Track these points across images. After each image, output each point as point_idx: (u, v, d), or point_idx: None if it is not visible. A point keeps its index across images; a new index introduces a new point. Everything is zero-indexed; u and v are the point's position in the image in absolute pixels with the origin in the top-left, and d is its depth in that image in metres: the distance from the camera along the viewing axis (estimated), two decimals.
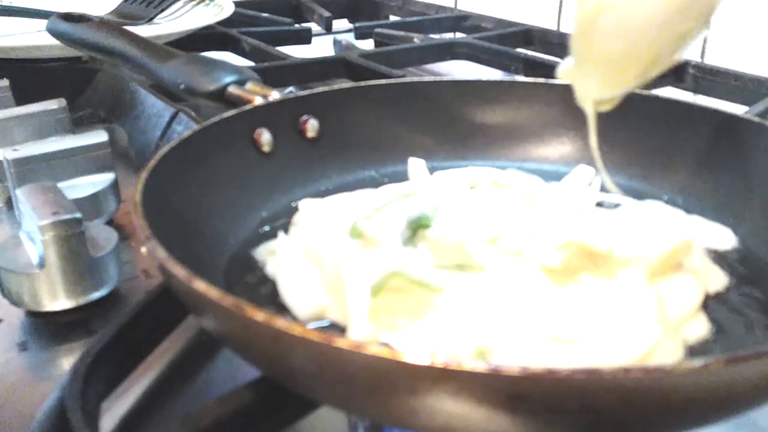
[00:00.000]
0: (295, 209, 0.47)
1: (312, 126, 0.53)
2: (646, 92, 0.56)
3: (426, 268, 0.38)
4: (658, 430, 0.29)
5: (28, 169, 0.54)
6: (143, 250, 0.52)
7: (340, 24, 1.17)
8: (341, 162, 0.53)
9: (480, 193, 0.46)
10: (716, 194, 0.48)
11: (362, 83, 0.59)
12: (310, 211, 0.45)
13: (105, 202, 0.55)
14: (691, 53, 0.91)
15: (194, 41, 0.91)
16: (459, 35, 1.08)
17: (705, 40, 0.91)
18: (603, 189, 0.49)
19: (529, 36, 0.99)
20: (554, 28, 1.07)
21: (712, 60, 0.90)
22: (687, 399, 0.26)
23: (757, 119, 0.49)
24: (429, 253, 0.39)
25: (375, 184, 0.49)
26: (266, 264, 0.43)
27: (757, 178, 0.47)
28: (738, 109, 0.65)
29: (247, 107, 0.52)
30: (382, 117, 0.55)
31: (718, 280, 0.41)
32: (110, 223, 0.54)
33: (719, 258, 0.43)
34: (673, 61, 0.41)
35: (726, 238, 0.45)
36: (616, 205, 0.48)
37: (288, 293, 0.39)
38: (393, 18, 1.22)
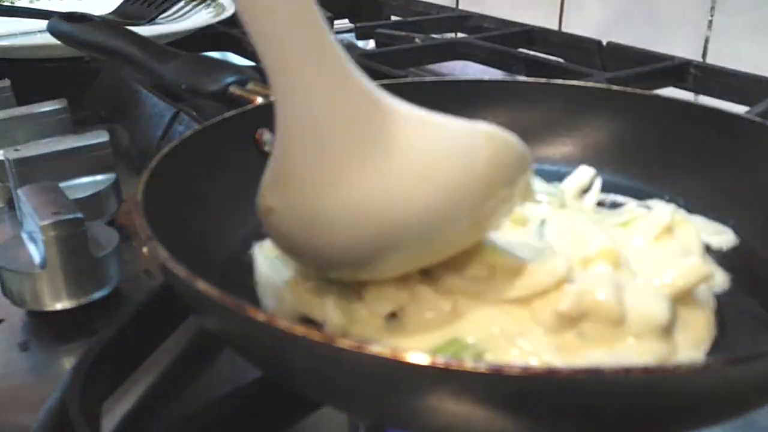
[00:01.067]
0: None
1: None
2: (647, 92, 0.56)
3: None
4: (660, 430, 0.29)
5: (29, 169, 0.55)
6: (144, 250, 0.52)
7: (342, 24, 1.17)
8: None
9: None
10: (717, 194, 0.48)
11: None
12: None
13: (106, 202, 0.55)
14: (692, 53, 0.91)
15: (195, 41, 0.91)
16: (460, 35, 1.08)
17: (707, 40, 0.91)
18: (603, 189, 0.49)
19: (530, 36, 0.99)
20: (556, 28, 1.07)
21: (714, 60, 0.90)
22: (688, 399, 0.26)
23: (758, 119, 0.49)
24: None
25: None
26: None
27: (758, 178, 0.47)
28: (739, 109, 0.65)
29: (249, 107, 0.52)
30: None
31: (719, 280, 0.41)
32: (111, 223, 0.54)
33: (720, 257, 0.43)
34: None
35: (727, 238, 0.45)
36: (618, 205, 0.48)
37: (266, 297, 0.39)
38: (394, 18, 1.22)
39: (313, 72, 0.31)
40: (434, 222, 0.33)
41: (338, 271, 0.35)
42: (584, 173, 0.50)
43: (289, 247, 0.36)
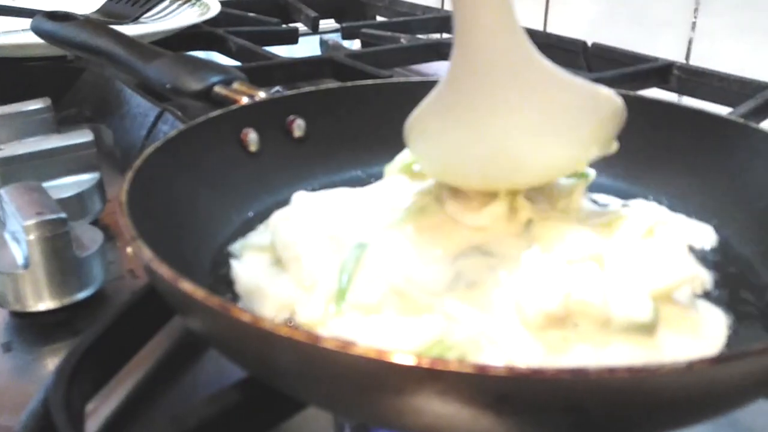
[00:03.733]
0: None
1: (299, 126, 0.53)
2: (631, 93, 0.56)
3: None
4: (644, 429, 0.29)
5: (12, 169, 0.54)
6: (129, 250, 0.52)
7: (327, 24, 1.17)
8: (328, 162, 0.53)
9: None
10: (700, 194, 0.49)
11: (349, 83, 0.59)
12: (285, 215, 0.45)
13: (90, 202, 0.55)
14: (676, 55, 0.91)
15: (180, 41, 0.91)
16: (446, 36, 1.08)
17: (690, 42, 0.92)
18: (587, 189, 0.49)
19: None
20: (541, 28, 1.08)
21: (697, 61, 0.91)
22: (672, 399, 0.27)
23: (740, 120, 0.49)
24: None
25: (362, 183, 0.49)
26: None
27: (740, 178, 0.47)
28: (722, 110, 0.65)
29: (234, 107, 0.52)
30: (368, 117, 0.55)
31: (702, 279, 0.41)
32: (95, 223, 0.54)
33: (703, 256, 0.44)
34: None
35: (709, 237, 0.46)
36: (602, 206, 0.49)
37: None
38: (380, 18, 1.22)
39: (492, 25, 0.36)
40: (553, 155, 0.42)
41: (460, 181, 0.43)
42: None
43: (431, 161, 0.44)
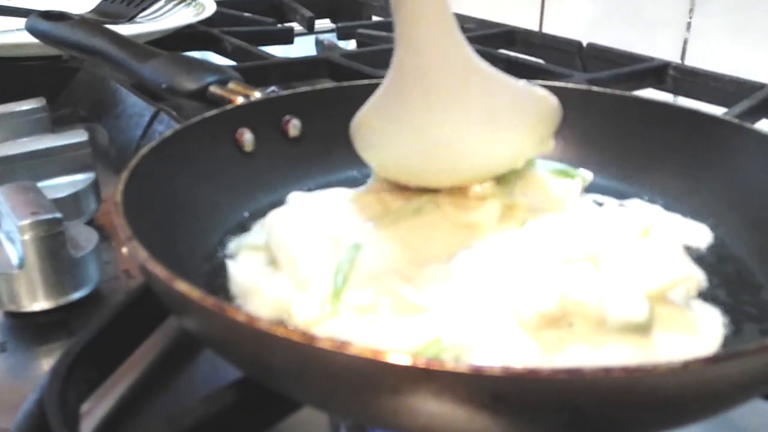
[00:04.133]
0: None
1: (294, 126, 0.53)
2: (626, 94, 0.56)
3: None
4: (639, 429, 0.29)
5: (7, 169, 0.54)
6: (124, 250, 0.52)
7: (323, 24, 1.17)
8: (323, 162, 0.53)
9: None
10: (695, 194, 0.49)
11: (345, 83, 0.59)
12: (281, 215, 0.45)
13: (85, 201, 0.55)
14: (671, 55, 0.91)
15: (176, 40, 0.91)
16: None
17: (685, 42, 0.92)
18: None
19: (511, 37, 1.00)
20: (536, 29, 1.08)
21: (692, 62, 0.91)
22: (667, 399, 0.27)
23: (735, 120, 0.50)
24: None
25: (357, 183, 0.49)
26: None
27: (736, 178, 0.47)
28: (717, 111, 0.65)
29: (229, 107, 0.52)
30: None
31: (698, 279, 0.41)
32: (90, 223, 0.54)
33: (698, 256, 0.44)
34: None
35: (704, 236, 0.46)
36: (598, 205, 0.49)
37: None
38: (375, 18, 1.22)
39: (431, 29, 0.38)
40: (491, 153, 0.43)
41: (403, 178, 0.44)
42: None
43: (375, 158, 0.45)
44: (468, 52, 0.39)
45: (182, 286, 0.29)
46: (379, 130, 0.43)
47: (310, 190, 0.50)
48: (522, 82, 0.42)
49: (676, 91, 0.83)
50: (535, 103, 0.42)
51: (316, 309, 0.36)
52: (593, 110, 0.54)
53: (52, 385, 0.32)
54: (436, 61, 0.39)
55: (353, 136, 0.44)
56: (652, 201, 0.50)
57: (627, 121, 0.53)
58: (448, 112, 0.40)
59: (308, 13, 1.09)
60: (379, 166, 0.46)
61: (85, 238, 0.47)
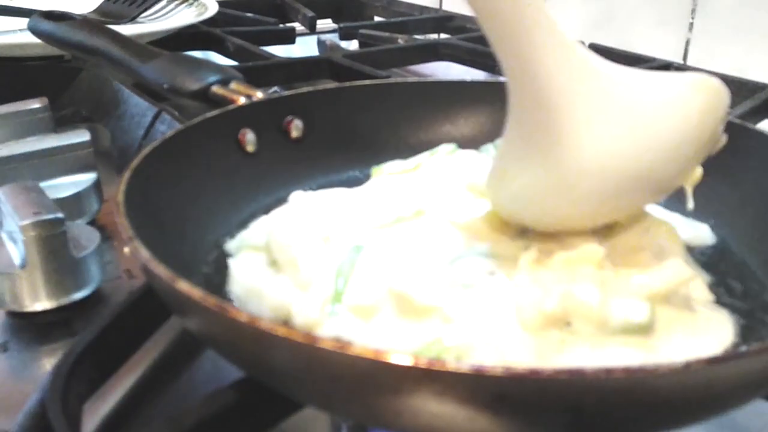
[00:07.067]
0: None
1: (296, 126, 0.53)
2: None
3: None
4: (641, 429, 0.29)
5: (9, 169, 0.54)
6: (126, 250, 0.52)
7: (325, 24, 1.17)
8: (325, 162, 0.53)
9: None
10: (697, 194, 0.49)
11: (347, 84, 0.59)
12: (281, 216, 0.45)
13: (87, 201, 0.55)
14: (673, 55, 0.91)
15: (178, 40, 0.91)
16: (443, 36, 1.08)
17: (687, 42, 0.92)
18: None
19: None
20: None
21: (694, 62, 0.91)
22: (669, 399, 0.27)
23: (738, 121, 0.49)
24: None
25: (359, 184, 0.49)
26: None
27: (737, 178, 0.47)
28: None
29: (231, 107, 0.52)
30: (366, 118, 0.55)
31: (700, 280, 0.41)
32: (92, 223, 0.54)
33: (700, 257, 0.44)
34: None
35: (706, 237, 0.46)
36: None
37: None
38: (377, 18, 1.22)
39: (543, 51, 0.33)
40: (650, 171, 0.35)
41: (555, 223, 0.38)
42: None
43: (517, 212, 0.39)
44: (586, 54, 0.34)
45: (184, 286, 0.29)
46: (512, 176, 0.37)
47: (311, 190, 0.50)
48: (668, 74, 0.34)
49: None
50: (692, 94, 0.34)
51: (317, 310, 0.36)
52: None
53: (53, 384, 0.32)
54: (555, 79, 0.33)
55: (490, 198, 0.39)
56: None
57: None
58: (580, 130, 0.33)
59: (310, 13, 1.09)
60: (526, 219, 0.39)
61: (87, 238, 0.47)
